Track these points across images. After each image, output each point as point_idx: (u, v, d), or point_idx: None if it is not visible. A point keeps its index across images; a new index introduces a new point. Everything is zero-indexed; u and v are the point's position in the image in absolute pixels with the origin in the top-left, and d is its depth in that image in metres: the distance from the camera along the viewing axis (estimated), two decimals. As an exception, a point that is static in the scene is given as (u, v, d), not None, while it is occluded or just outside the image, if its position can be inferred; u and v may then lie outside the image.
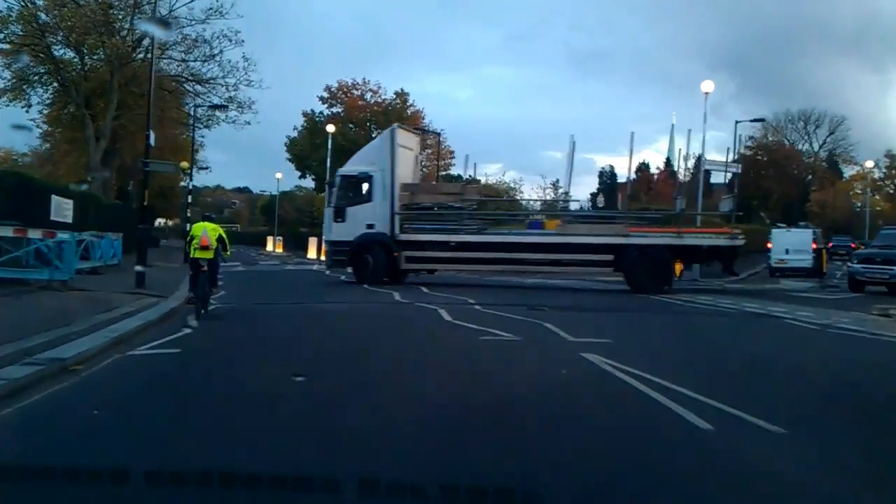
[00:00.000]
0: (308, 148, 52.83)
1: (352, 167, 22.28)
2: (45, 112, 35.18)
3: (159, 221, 76.82)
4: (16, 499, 3.80)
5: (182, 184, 59.93)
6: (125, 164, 38.37)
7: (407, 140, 22.63)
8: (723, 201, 23.26)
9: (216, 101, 35.05)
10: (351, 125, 51.58)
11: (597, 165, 70.90)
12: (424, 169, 55.38)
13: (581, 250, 20.28)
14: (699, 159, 70.62)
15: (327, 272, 23.61)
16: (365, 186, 21.18)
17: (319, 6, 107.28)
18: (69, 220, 20.87)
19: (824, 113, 63.92)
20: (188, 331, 10.73)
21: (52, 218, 19.69)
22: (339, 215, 21.27)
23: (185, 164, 31.67)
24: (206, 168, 53.45)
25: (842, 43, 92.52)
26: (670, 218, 22.69)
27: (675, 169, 74.04)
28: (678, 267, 20.89)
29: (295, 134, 55.24)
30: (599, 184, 64.11)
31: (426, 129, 50.46)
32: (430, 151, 54.33)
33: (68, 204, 20.84)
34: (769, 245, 28.48)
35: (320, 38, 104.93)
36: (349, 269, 21.53)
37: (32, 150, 50.52)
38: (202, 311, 11.96)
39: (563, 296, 18.61)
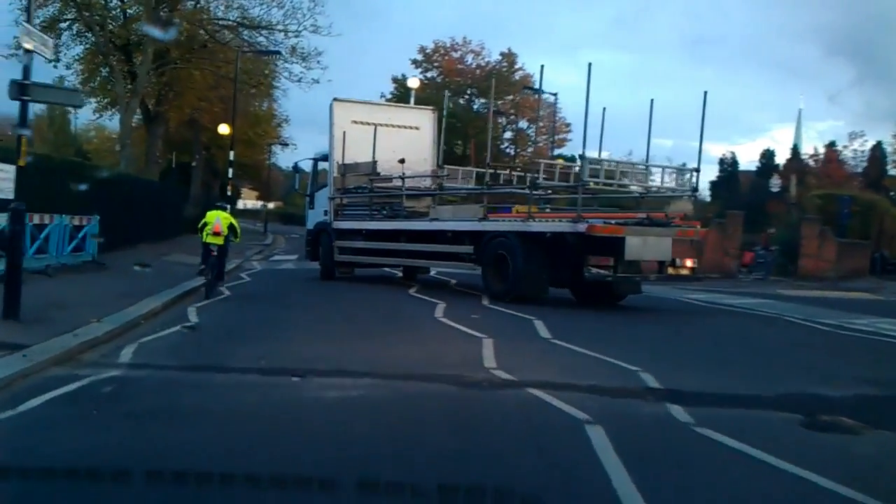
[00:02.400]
0: (398, 117, 45.45)
1: (324, 150, 19.53)
2: (76, 68, 29.37)
3: (246, 203, 72.26)
4: None
5: (269, 161, 54.61)
6: (170, 132, 32.35)
7: (358, 114, 18.59)
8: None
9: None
10: (447, 91, 43.83)
11: (710, 153, 62.84)
12: (522, 143, 47.66)
13: (448, 239, 16.30)
14: (831, 145, 60.58)
15: None
16: (326, 169, 19.09)
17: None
18: (6, 194, 14.21)
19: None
20: None
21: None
22: (311, 202, 19.94)
23: (226, 130, 24.80)
24: (291, 145, 47.65)
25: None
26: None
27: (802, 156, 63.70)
28: None
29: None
30: (720, 171, 56.53)
31: (538, 90, 42.07)
32: (542, 124, 46.25)
33: (5, 171, 14.16)
34: None
35: (419, 18, 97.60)
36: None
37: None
38: (207, 298, 12.42)
39: (805, 340, 10.25)
